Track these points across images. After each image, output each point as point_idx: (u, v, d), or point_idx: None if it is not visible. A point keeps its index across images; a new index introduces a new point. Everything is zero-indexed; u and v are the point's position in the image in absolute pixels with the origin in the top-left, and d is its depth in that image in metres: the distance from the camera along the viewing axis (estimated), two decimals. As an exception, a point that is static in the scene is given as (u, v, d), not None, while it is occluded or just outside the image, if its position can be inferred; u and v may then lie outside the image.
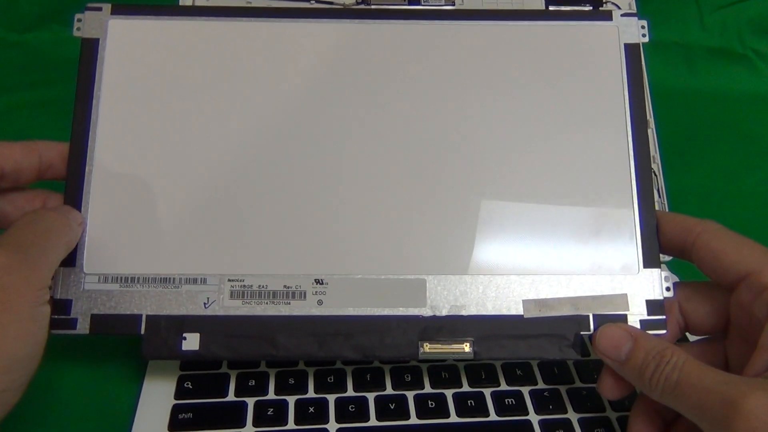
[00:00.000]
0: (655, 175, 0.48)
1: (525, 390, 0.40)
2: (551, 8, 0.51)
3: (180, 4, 0.49)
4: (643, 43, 0.42)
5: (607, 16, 0.42)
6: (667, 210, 0.49)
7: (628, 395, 0.36)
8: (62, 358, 0.40)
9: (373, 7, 0.50)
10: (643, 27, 0.41)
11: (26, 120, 0.59)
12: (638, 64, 0.41)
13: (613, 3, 0.51)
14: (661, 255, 0.38)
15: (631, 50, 0.41)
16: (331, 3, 0.50)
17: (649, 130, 0.49)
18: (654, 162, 0.49)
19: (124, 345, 0.41)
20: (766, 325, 0.32)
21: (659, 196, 0.49)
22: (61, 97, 0.56)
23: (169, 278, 0.37)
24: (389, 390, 0.39)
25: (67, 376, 0.40)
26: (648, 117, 0.49)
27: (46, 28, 0.64)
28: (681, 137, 0.59)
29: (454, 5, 0.51)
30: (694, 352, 0.36)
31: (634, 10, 0.52)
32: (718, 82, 0.67)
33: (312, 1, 0.50)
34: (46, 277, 0.33)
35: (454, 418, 0.38)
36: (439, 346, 0.37)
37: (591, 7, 0.51)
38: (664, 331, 0.37)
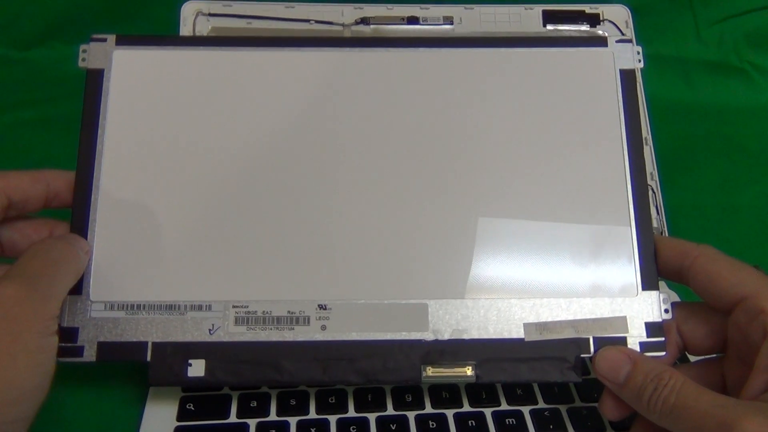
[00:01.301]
0: (653, 191, 0.49)
1: (525, 410, 0.40)
2: (549, 27, 0.51)
3: (181, 30, 0.49)
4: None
5: (603, 42, 0.42)
6: (665, 225, 0.49)
7: (629, 416, 0.37)
8: (64, 380, 0.40)
9: (371, 26, 0.50)
10: (638, 53, 0.42)
11: (28, 137, 0.59)
12: (633, 88, 0.41)
13: (610, 21, 0.51)
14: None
15: (626, 75, 0.42)
16: (331, 23, 0.50)
17: (647, 147, 0.49)
18: (652, 178, 0.49)
19: (126, 367, 0.42)
20: (762, 348, 0.33)
21: (657, 213, 0.49)
22: (63, 114, 0.57)
23: (175, 305, 0.37)
24: (390, 410, 0.40)
25: (69, 399, 0.40)
26: (646, 133, 0.50)
27: (48, 45, 0.64)
28: (679, 151, 0.60)
29: (452, 24, 0.51)
30: (693, 373, 0.36)
31: (630, 27, 0.52)
32: (716, 95, 0.66)
33: (311, 22, 0.50)
34: (54, 307, 0.33)
35: (455, 438, 0.38)
36: (442, 369, 0.37)
37: (588, 26, 0.51)
38: (663, 353, 0.37)
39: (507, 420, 0.39)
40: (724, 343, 0.37)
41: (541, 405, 0.40)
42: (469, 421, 0.39)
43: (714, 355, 0.38)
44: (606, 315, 0.38)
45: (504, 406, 0.40)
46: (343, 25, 0.50)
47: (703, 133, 0.64)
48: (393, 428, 0.38)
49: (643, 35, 0.53)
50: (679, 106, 0.65)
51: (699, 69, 0.67)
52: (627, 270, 0.39)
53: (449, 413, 0.40)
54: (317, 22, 0.50)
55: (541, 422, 0.39)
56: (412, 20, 0.51)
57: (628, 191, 0.40)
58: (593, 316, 0.38)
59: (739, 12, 0.66)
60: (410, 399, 0.40)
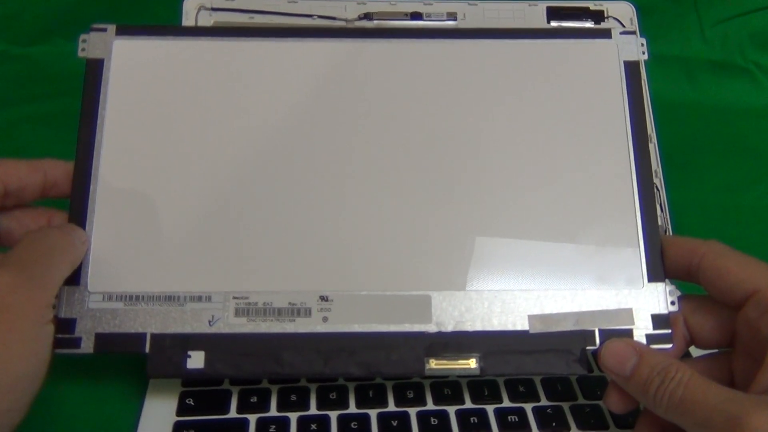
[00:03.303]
0: (658, 189, 0.48)
1: (528, 407, 0.39)
2: (553, 23, 0.51)
3: (183, 24, 0.49)
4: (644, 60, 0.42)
5: (607, 34, 0.42)
6: (669, 225, 0.49)
7: (634, 409, 0.36)
8: (63, 374, 0.40)
9: (375, 22, 0.50)
10: (642, 45, 0.42)
11: (29, 134, 0.59)
12: (638, 80, 0.41)
13: (614, 18, 0.51)
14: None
15: (630, 67, 0.41)
16: (334, 18, 0.50)
17: (651, 145, 0.49)
18: (656, 176, 0.49)
19: (126, 361, 0.41)
20: (772, 342, 0.33)
21: (662, 211, 0.48)
22: (64, 110, 0.56)
23: (174, 296, 0.37)
24: (392, 407, 0.39)
25: (67, 393, 0.40)
26: (650, 131, 0.49)
27: (49, 41, 0.65)
28: (683, 151, 0.59)
29: (456, 20, 0.51)
30: (700, 367, 0.36)
31: (635, 24, 0.52)
32: (720, 95, 0.67)
33: (314, 17, 0.50)
34: (50, 295, 0.33)
35: (457, 434, 0.38)
36: (445, 362, 0.37)
37: (592, 23, 0.51)
38: (670, 345, 0.37)
39: (509, 417, 0.39)
40: (732, 337, 0.36)
41: (544, 402, 0.40)
42: (471, 418, 0.39)
43: (721, 350, 0.37)
44: (611, 307, 0.38)
45: (506, 403, 0.40)
46: (346, 20, 0.50)
47: (707, 133, 0.64)
48: (394, 425, 0.38)
49: (647, 34, 0.52)
50: (683, 106, 0.65)
51: (703, 68, 0.67)
52: (633, 261, 0.38)
53: (451, 410, 0.39)
54: (320, 17, 0.50)
55: (544, 419, 0.39)
56: (416, 16, 0.51)
57: (634, 182, 0.40)
58: (599, 308, 0.37)
59: (744, 12, 0.66)
60: (412, 395, 0.40)
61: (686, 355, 0.41)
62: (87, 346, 0.36)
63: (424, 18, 0.51)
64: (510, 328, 0.37)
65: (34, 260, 0.33)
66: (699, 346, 0.38)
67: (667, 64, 0.66)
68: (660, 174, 0.49)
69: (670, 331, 0.37)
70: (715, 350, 0.38)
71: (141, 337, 0.36)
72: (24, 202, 0.38)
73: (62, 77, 0.61)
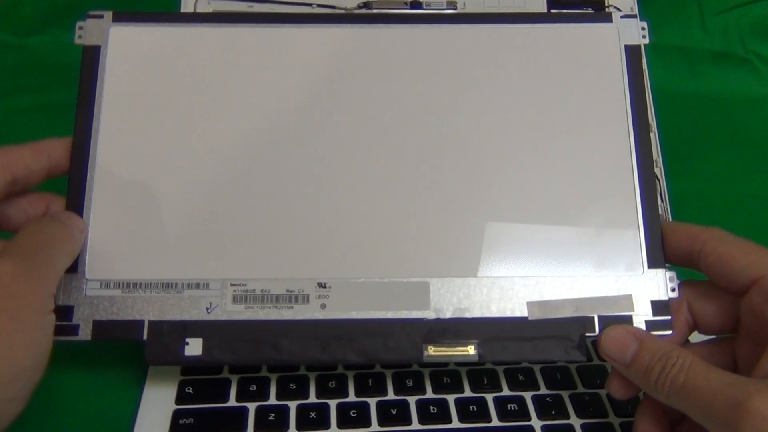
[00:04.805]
0: (658, 179, 0.48)
1: (527, 395, 0.39)
2: (553, 11, 0.51)
3: (182, 11, 0.49)
4: (645, 46, 0.42)
5: (607, 18, 0.42)
6: (670, 214, 0.49)
7: (636, 395, 0.36)
8: (62, 362, 0.39)
9: (374, 11, 0.50)
10: (643, 28, 0.42)
11: (27, 124, 0.59)
12: (639, 65, 0.41)
13: (615, 7, 0.51)
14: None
15: (631, 51, 0.41)
16: (333, 7, 0.50)
17: (652, 134, 0.49)
18: (657, 166, 0.49)
19: (125, 349, 0.41)
20: (776, 328, 0.32)
21: (662, 200, 0.48)
22: (62, 101, 0.56)
23: (172, 283, 0.37)
24: (391, 395, 0.39)
25: (66, 381, 0.40)
26: (651, 121, 0.49)
27: (48, 32, 0.64)
28: (683, 141, 0.59)
29: (455, 9, 0.50)
30: (702, 353, 0.36)
31: (636, 12, 0.52)
32: (720, 85, 0.66)
33: (314, 6, 0.50)
34: (52, 285, 0.33)
35: (456, 423, 0.38)
36: (444, 348, 0.37)
37: (592, 10, 0.51)
38: (669, 332, 0.37)
39: (509, 405, 0.39)
40: (736, 323, 0.36)
41: (543, 390, 0.40)
42: (471, 406, 0.39)
43: (722, 335, 0.37)
44: (611, 293, 0.37)
45: (506, 392, 0.40)
46: (345, 9, 0.50)
47: (707, 123, 0.63)
48: (394, 413, 0.38)
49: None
50: (683, 96, 0.65)
51: (704, 59, 0.67)
52: (632, 247, 0.38)
53: (450, 398, 0.39)
54: (319, 5, 0.50)
55: (543, 408, 0.39)
56: (415, 5, 0.50)
57: (634, 167, 0.39)
58: (598, 295, 0.37)
59: (744, 2, 0.66)
60: (411, 384, 0.40)
61: (685, 342, 0.41)
62: (85, 334, 0.36)
63: (424, 7, 0.50)
64: (509, 314, 0.37)
65: (36, 250, 0.33)
66: (702, 331, 0.38)
67: (667, 55, 0.66)
68: (660, 164, 0.49)
69: (670, 317, 0.37)
70: (716, 336, 0.38)
71: (139, 324, 0.36)
72: (31, 186, 0.38)
73: (60, 68, 0.61)
